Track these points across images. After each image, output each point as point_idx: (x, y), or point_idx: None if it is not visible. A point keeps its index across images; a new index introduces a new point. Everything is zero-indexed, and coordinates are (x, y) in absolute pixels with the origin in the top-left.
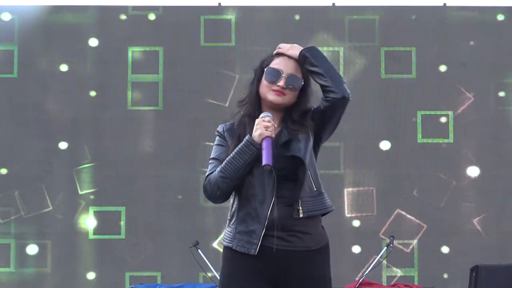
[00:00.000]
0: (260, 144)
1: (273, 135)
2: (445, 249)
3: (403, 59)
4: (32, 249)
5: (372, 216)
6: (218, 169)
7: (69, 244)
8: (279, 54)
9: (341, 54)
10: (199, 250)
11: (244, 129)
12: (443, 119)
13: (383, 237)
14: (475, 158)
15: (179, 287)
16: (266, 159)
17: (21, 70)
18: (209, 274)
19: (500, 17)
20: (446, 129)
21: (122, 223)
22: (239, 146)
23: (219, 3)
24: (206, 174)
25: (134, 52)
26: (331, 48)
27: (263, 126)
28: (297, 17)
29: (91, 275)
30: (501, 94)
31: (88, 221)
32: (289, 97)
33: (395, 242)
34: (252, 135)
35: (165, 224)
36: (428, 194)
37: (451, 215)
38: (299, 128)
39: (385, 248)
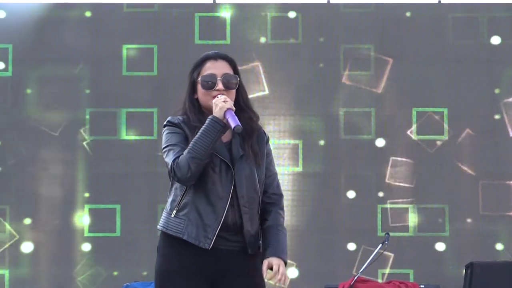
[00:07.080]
0: (224, 118)
1: (233, 107)
2: (440, 247)
3: None
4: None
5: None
6: (186, 151)
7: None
8: (206, 59)
9: (341, 50)
10: None
11: (199, 126)
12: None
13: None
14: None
15: None
16: (234, 122)
17: (16, 67)
18: None
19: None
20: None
21: (117, 221)
22: (204, 126)
23: (214, 1)
24: (172, 158)
25: (128, 49)
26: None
27: (222, 101)
28: (292, 14)
29: (86, 272)
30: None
31: (83, 219)
32: (230, 98)
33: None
34: (213, 112)
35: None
36: None
37: None
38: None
39: (380, 245)
